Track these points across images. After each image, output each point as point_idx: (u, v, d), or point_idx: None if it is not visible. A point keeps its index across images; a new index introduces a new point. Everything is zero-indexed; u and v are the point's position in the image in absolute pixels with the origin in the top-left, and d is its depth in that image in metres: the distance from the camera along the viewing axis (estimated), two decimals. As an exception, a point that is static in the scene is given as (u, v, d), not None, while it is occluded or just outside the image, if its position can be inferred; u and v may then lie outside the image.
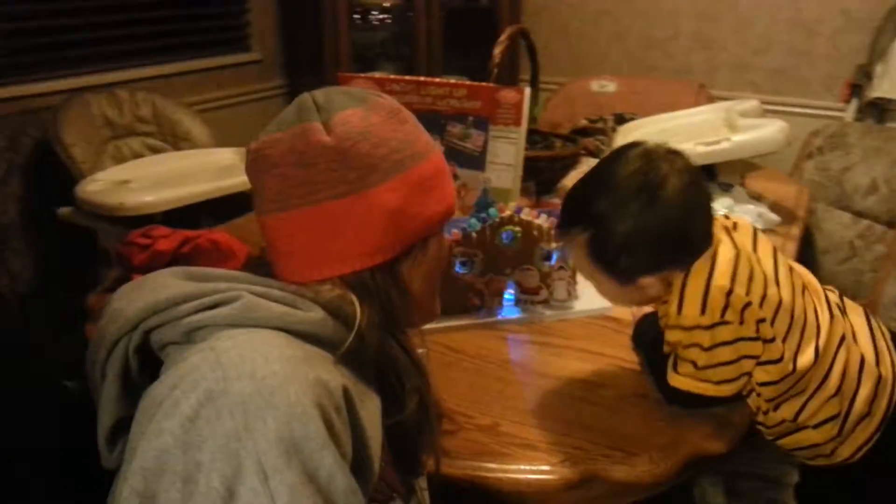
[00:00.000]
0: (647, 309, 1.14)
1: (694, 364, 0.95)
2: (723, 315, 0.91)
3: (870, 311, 1.09)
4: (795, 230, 1.64)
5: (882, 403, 0.98)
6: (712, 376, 0.95)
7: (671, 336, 0.97)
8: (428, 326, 1.18)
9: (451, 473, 0.88)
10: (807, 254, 2.00)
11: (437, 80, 1.52)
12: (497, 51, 1.67)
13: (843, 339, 0.99)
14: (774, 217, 1.62)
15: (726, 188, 1.75)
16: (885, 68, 2.51)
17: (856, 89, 2.61)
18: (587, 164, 1.86)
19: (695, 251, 0.94)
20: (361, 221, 0.68)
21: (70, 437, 0.68)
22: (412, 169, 0.70)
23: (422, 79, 1.53)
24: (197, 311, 0.61)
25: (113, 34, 2.45)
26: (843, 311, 1.04)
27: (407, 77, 1.53)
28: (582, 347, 1.17)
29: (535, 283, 1.25)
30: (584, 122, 2.20)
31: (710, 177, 1.84)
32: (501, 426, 0.97)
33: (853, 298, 1.10)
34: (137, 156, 2.10)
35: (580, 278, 1.27)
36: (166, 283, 0.64)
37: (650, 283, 0.95)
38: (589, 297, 1.28)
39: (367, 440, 0.63)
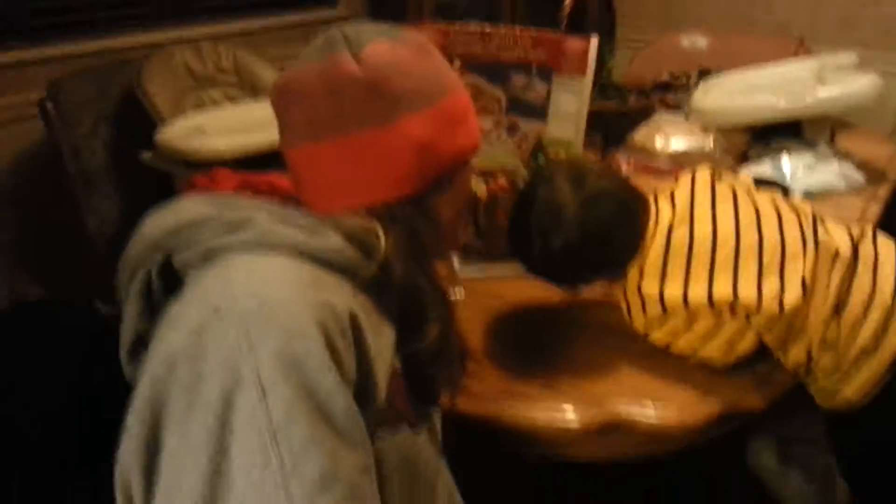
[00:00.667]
0: None
1: (689, 353, 0.95)
2: (663, 305, 0.91)
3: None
4: (882, 192, 1.52)
5: (892, 340, 0.90)
6: (714, 351, 0.94)
7: (653, 342, 0.98)
8: (471, 274, 1.19)
9: (471, 412, 0.88)
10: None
11: (502, 29, 1.49)
12: (567, 1, 1.62)
13: (836, 256, 0.93)
14: (858, 177, 1.52)
15: (810, 144, 1.64)
16: None
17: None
18: (661, 118, 1.80)
19: (622, 260, 0.96)
20: (390, 152, 0.68)
21: (96, 353, 0.73)
22: (441, 102, 0.71)
23: (486, 29, 1.50)
24: (215, 235, 0.63)
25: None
26: (868, 240, 0.98)
27: (471, 27, 1.51)
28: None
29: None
30: (665, 77, 2.12)
31: (795, 133, 1.74)
32: (529, 369, 0.97)
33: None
34: (218, 105, 2.17)
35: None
36: (189, 207, 0.67)
37: (591, 289, 1.01)
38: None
39: (374, 368, 0.63)
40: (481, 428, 0.90)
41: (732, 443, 1.30)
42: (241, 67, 2.25)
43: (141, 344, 0.65)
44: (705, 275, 0.91)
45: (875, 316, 0.91)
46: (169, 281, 0.65)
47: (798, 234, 0.94)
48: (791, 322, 0.91)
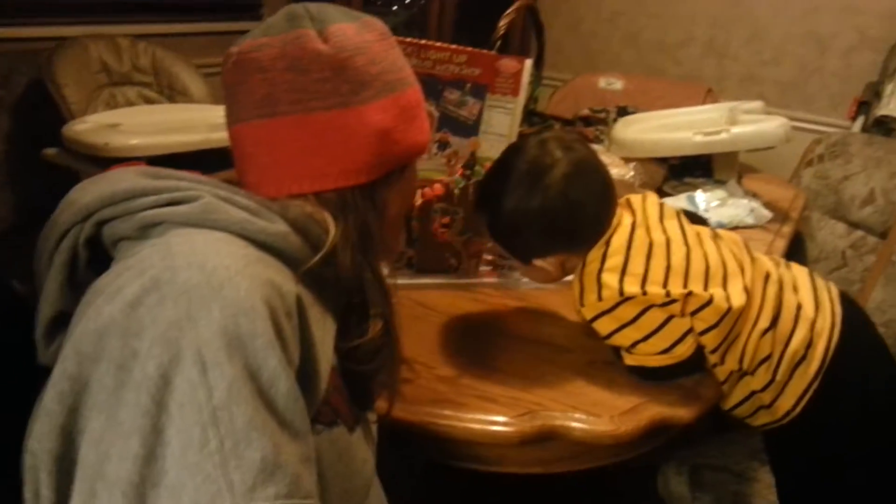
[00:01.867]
0: None
1: (628, 347, 0.96)
2: (622, 293, 0.92)
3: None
4: (787, 229, 1.61)
5: (818, 350, 0.98)
6: (651, 348, 0.95)
7: (596, 329, 0.98)
8: (401, 280, 1.17)
9: (404, 418, 0.86)
10: (798, 261, 1.96)
11: (439, 44, 1.50)
12: (502, 22, 1.65)
13: (767, 276, 1.01)
14: (766, 213, 1.60)
15: (720, 184, 1.73)
16: (895, 88, 2.48)
17: (863, 107, 2.58)
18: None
19: (584, 239, 0.97)
20: (350, 137, 0.66)
21: (7, 335, 0.66)
22: (401, 93, 0.69)
23: (423, 42, 1.50)
24: (153, 207, 0.58)
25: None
26: (787, 266, 1.08)
27: (408, 39, 1.51)
28: (556, 314, 1.14)
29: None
30: (586, 111, 2.18)
31: (706, 173, 1.82)
32: (462, 378, 0.95)
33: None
34: (132, 105, 2.08)
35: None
36: (125, 178, 0.62)
37: (544, 264, 0.99)
38: (569, 267, 1.26)
39: (316, 357, 0.60)
40: (414, 436, 0.87)
41: (644, 470, 1.33)
42: (160, 68, 2.16)
43: (60, 323, 0.59)
44: (662, 274, 0.93)
45: (803, 329, 0.98)
46: (95, 254, 0.60)
47: (734, 257, 1.00)
48: (732, 327, 0.95)
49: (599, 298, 0.94)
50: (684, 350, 0.95)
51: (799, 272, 1.08)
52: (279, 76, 0.64)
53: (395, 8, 3.25)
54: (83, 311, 0.53)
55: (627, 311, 0.94)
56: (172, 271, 0.52)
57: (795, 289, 1.03)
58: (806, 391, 0.98)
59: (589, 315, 0.97)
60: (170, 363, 0.48)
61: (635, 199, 1.03)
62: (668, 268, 0.94)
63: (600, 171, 0.97)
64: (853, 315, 1.03)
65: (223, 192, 0.61)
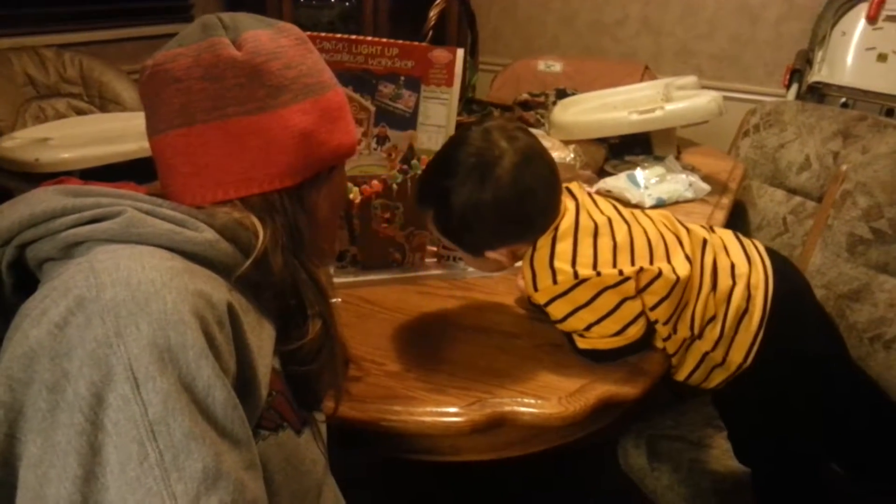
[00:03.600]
0: None
1: (582, 330, 0.97)
2: (576, 277, 0.94)
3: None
4: (725, 200, 1.65)
5: (757, 301, 1.02)
6: (605, 330, 0.96)
7: (549, 314, 1.00)
8: (346, 279, 1.17)
9: (355, 416, 0.86)
10: (741, 230, 1.98)
11: (370, 38, 1.49)
12: (433, 12, 1.64)
13: (704, 243, 1.04)
14: (705, 186, 1.63)
15: (659, 160, 1.75)
16: (825, 54, 2.55)
17: (795, 74, 2.65)
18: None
19: (536, 227, 0.97)
20: (271, 141, 0.65)
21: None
22: (322, 96, 0.70)
23: (353, 37, 1.49)
24: (75, 225, 0.57)
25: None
26: (711, 230, 1.11)
27: (338, 35, 1.50)
28: (501, 302, 1.15)
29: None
30: (525, 96, 2.19)
31: (646, 150, 1.85)
32: (411, 372, 0.95)
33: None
34: (62, 117, 2.02)
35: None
36: (44, 198, 0.61)
37: (496, 255, 0.99)
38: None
39: (254, 363, 0.60)
40: (366, 432, 0.87)
41: (606, 446, 1.35)
42: (89, 77, 2.11)
43: None
44: (610, 253, 0.95)
45: (740, 285, 1.02)
46: (21, 277, 0.59)
47: (669, 230, 1.03)
48: (681, 297, 0.98)
49: (554, 282, 0.95)
50: (636, 331, 0.97)
51: (724, 234, 1.12)
52: (194, 85, 0.64)
53: (332, 0, 3.22)
54: (11, 336, 0.53)
55: (582, 294, 0.95)
56: (97, 289, 0.51)
57: (726, 249, 1.07)
58: (753, 341, 1.02)
59: (543, 299, 0.97)
60: (101, 381, 0.48)
61: (573, 185, 1.04)
62: (615, 246, 0.96)
63: (545, 158, 0.98)
64: (779, 263, 1.08)
65: (146, 205, 0.60)
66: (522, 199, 0.94)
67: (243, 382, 0.59)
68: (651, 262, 0.96)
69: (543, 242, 0.96)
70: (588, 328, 0.96)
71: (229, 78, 0.64)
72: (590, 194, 1.05)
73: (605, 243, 0.96)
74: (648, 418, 1.37)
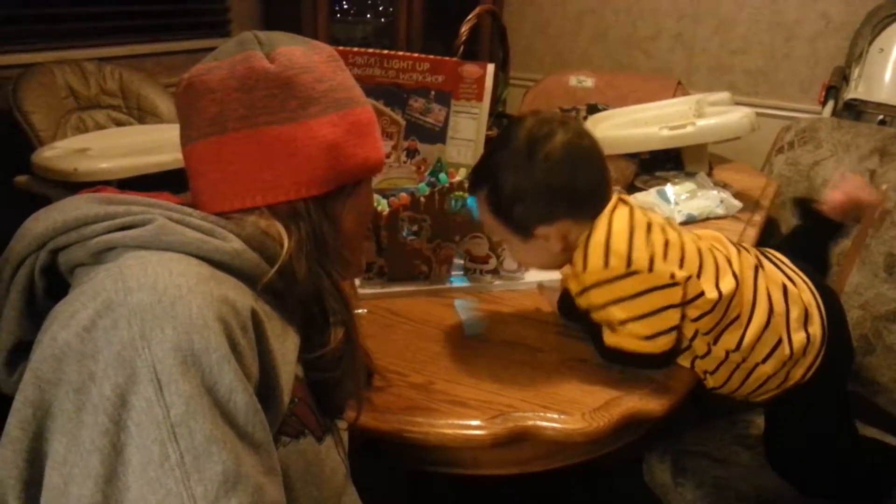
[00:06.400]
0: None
1: (616, 322, 0.96)
2: (629, 265, 0.94)
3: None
4: (757, 217, 1.63)
5: (816, 327, 1.03)
6: (639, 330, 0.95)
7: (585, 301, 1.00)
8: (372, 290, 1.18)
9: (377, 427, 0.86)
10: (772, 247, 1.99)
11: (401, 53, 1.50)
12: (464, 28, 1.66)
13: (756, 267, 1.04)
14: (736, 203, 1.61)
15: (691, 176, 1.74)
16: (861, 71, 2.51)
17: (831, 91, 2.61)
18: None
19: (587, 205, 0.98)
20: (299, 150, 0.67)
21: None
22: (350, 110, 0.71)
23: (385, 52, 1.51)
24: (107, 232, 0.59)
25: (86, 10, 2.43)
26: (747, 250, 1.10)
27: (370, 50, 1.52)
28: (527, 315, 1.15)
29: (484, 252, 1.23)
30: (556, 111, 2.19)
31: (676, 166, 1.84)
32: (434, 384, 0.95)
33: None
34: (101, 128, 2.07)
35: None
36: (77, 205, 0.63)
37: (546, 233, 0.99)
38: (539, 267, 1.27)
39: (277, 370, 0.61)
40: (388, 443, 0.87)
41: (633, 461, 1.34)
42: (128, 90, 2.16)
43: (21, 351, 0.60)
44: (661, 250, 0.96)
45: (797, 308, 1.03)
46: (53, 282, 0.61)
47: (722, 252, 1.03)
48: (724, 313, 0.98)
49: (606, 265, 0.95)
50: (665, 343, 0.96)
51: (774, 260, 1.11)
52: (228, 95, 0.66)
53: (368, 16, 3.26)
54: (41, 338, 0.54)
55: (630, 286, 0.95)
56: (124, 293, 0.53)
57: (773, 274, 1.06)
58: (814, 362, 1.04)
59: (590, 280, 0.96)
60: (126, 383, 0.50)
61: (624, 195, 1.05)
62: (667, 243, 0.96)
63: (595, 141, 1.00)
64: (818, 280, 1.10)
65: (176, 214, 0.62)
66: (574, 171, 0.96)
67: (265, 388, 0.60)
68: (699, 276, 0.96)
69: (601, 224, 0.97)
70: (623, 323, 0.96)
71: (261, 88, 0.66)
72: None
73: (658, 239, 0.96)
74: (675, 434, 1.36)
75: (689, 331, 0.99)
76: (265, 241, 0.65)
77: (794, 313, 1.02)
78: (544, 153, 0.95)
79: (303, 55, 0.69)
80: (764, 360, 1.01)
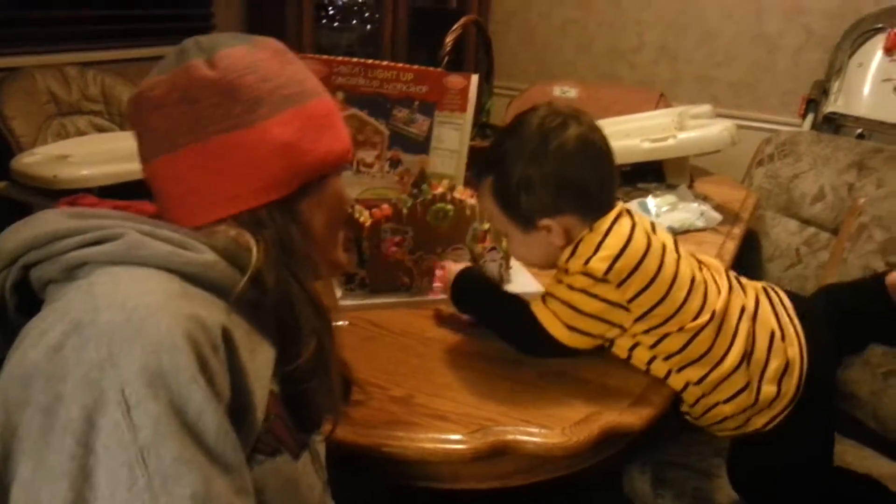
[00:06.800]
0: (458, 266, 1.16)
1: (554, 296, 0.99)
2: (606, 273, 0.94)
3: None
4: (737, 230, 1.64)
5: (791, 383, 1.00)
6: (565, 316, 0.98)
7: (558, 276, 1.01)
8: (353, 302, 1.18)
9: (356, 441, 0.86)
10: (753, 259, 2.01)
11: (385, 63, 1.50)
12: (449, 39, 1.66)
13: (743, 310, 1.02)
14: (716, 215, 1.63)
15: (672, 188, 1.75)
16: (841, 85, 2.54)
17: (811, 104, 2.64)
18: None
19: (593, 203, 0.98)
20: (252, 156, 0.66)
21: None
22: (303, 105, 0.70)
23: (369, 61, 1.51)
24: (78, 247, 0.58)
25: (69, 14, 2.41)
26: (743, 288, 1.08)
27: (354, 59, 1.52)
28: (508, 328, 1.15)
29: (467, 264, 1.23)
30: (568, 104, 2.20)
31: (658, 178, 1.85)
32: (415, 398, 0.95)
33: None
34: (83, 134, 2.06)
35: (513, 261, 1.26)
36: (49, 220, 0.62)
37: (550, 225, 0.98)
38: (521, 279, 1.27)
39: (250, 387, 0.60)
40: (367, 457, 0.87)
41: (612, 470, 1.34)
42: (110, 95, 2.15)
43: None
44: (641, 286, 0.96)
45: (777, 360, 1.01)
46: (25, 299, 0.60)
47: (714, 281, 1.03)
48: (689, 342, 0.98)
49: (586, 263, 0.95)
50: (580, 342, 0.99)
51: (756, 291, 1.09)
52: (173, 110, 0.65)
53: (354, 22, 3.26)
54: (10, 357, 0.54)
55: (596, 289, 0.96)
56: (93, 312, 0.52)
57: (758, 314, 1.04)
58: (779, 415, 1.01)
59: (599, 273, 0.96)
60: (94, 405, 0.49)
61: (629, 208, 1.05)
62: (661, 265, 0.96)
63: (606, 139, 1.00)
64: (813, 332, 1.05)
65: (147, 227, 0.61)
66: (585, 165, 0.96)
67: (238, 407, 0.59)
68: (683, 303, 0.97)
69: (600, 225, 0.97)
70: (555, 298, 0.98)
71: (205, 98, 0.65)
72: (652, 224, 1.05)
73: (651, 267, 0.96)
74: (656, 445, 1.36)
75: (644, 355, 1.00)
76: (237, 251, 0.64)
77: (773, 364, 1.00)
78: (557, 143, 0.95)
79: (245, 55, 0.67)
80: (726, 401, 1.00)
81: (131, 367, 0.50)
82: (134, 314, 0.52)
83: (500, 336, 1.05)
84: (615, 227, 0.97)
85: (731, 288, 1.04)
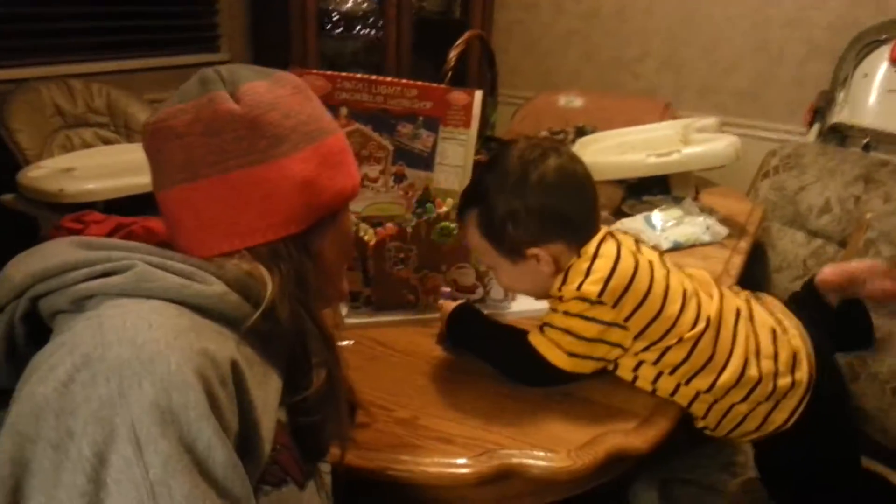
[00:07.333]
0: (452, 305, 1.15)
1: (552, 325, 0.99)
2: (600, 295, 0.95)
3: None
4: (744, 244, 1.63)
5: (803, 371, 1.02)
6: (565, 343, 0.98)
7: (554, 305, 1.02)
8: (359, 320, 1.18)
9: (361, 465, 0.85)
10: (760, 272, 2.00)
11: (389, 79, 1.50)
12: (452, 54, 1.66)
13: (738, 312, 1.04)
14: (722, 230, 1.62)
15: (677, 201, 1.75)
16: (847, 95, 2.54)
17: (817, 114, 2.63)
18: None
19: (578, 230, 0.99)
20: (272, 191, 0.66)
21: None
22: (321, 142, 0.71)
23: (373, 77, 1.51)
24: (87, 279, 0.59)
25: (73, 26, 2.42)
26: (735, 295, 1.11)
27: (359, 75, 1.52)
28: (514, 347, 1.14)
29: (471, 282, 1.23)
30: (544, 133, 2.20)
31: (664, 191, 1.84)
32: (420, 420, 0.95)
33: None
34: (88, 146, 2.06)
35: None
36: (58, 251, 0.62)
37: (538, 254, 0.99)
38: (526, 298, 1.27)
39: (258, 419, 0.60)
40: (372, 481, 0.87)
41: (617, 486, 1.34)
42: (115, 108, 2.15)
43: (1, 401, 0.59)
44: (635, 304, 0.98)
45: (786, 351, 1.03)
46: (34, 329, 0.60)
47: (705, 292, 1.04)
48: (692, 350, 0.99)
49: (578, 288, 0.96)
50: (581, 366, 1.00)
51: (767, 302, 1.12)
52: (195, 140, 0.65)
53: (358, 31, 3.27)
54: (20, 390, 0.54)
55: (592, 311, 0.97)
56: (103, 347, 0.52)
57: (752, 316, 1.06)
58: (798, 406, 1.02)
59: (593, 296, 0.96)
60: (104, 442, 0.49)
61: (612, 230, 1.06)
62: (652, 280, 0.98)
63: (586, 169, 1.02)
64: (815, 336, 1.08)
65: (156, 259, 0.61)
66: (567, 195, 0.98)
67: (245, 439, 0.59)
68: (678, 316, 0.98)
69: (586, 251, 0.99)
70: (554, 327, 0.99)
71: (229, 132, 0.65)
72: (637, 241, 1.07)
73: (641, 286, 0.97)
74: (664, 461, 1.36)
75: (649, 373, 1.00)
76: (248, 283, 0.64)
77: (783, 356, 1.02)
78: (538, 175, 0.97)
79: (268, 91, 0.68)
80: (741, 401, 1.01)
81: (142, 404, 0.50)
82: (143, 350, 0.52)
83: (502, 371, 1.05)
84: (602, 250, 0.98)
85: (721, 295, 1.06)
